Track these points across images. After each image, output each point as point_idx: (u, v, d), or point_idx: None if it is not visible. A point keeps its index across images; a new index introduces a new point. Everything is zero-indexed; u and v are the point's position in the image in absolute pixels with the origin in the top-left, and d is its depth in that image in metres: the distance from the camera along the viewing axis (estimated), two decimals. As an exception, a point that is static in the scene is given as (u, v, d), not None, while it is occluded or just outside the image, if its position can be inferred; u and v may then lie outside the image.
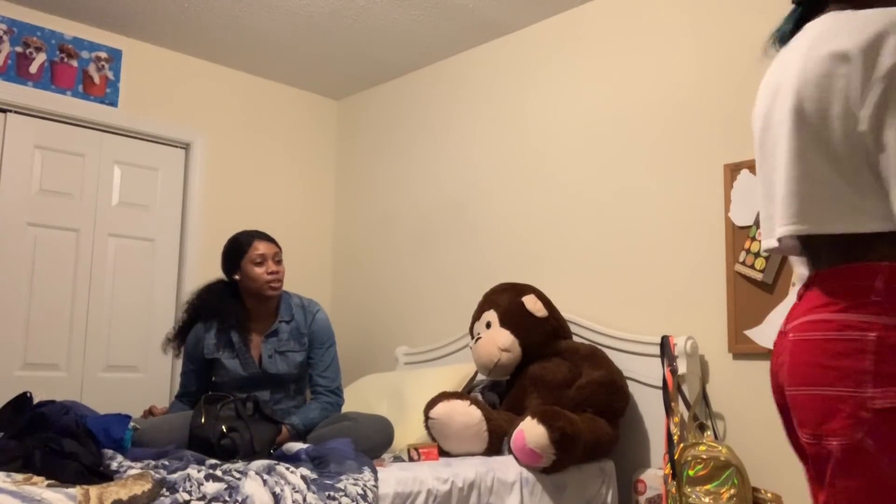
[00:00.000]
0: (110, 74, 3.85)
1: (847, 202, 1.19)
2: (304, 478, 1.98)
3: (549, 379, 2.84)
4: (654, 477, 2.73)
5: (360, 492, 1.98)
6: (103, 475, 1.86)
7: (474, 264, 3.79)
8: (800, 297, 1.32)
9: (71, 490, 1.65)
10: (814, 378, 1.21)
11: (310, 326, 2.94)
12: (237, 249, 2.91)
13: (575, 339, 3.11)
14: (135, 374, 3.83)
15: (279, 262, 2.92)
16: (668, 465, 2.56)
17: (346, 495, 1.95)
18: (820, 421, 1.20)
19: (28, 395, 2.38)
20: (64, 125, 3.73)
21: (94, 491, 1.66)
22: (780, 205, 1.27)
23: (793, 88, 1.23)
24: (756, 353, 2.71)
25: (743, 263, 2.76)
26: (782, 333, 1.34)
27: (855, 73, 1.14)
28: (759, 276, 2.71)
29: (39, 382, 3.44)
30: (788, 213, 1.26)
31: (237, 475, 1.94)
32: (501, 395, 3.01)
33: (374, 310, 4.29)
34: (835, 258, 1.25)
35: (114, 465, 1.97)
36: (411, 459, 2.55)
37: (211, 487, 1.83)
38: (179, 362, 3.08)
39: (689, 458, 2.54)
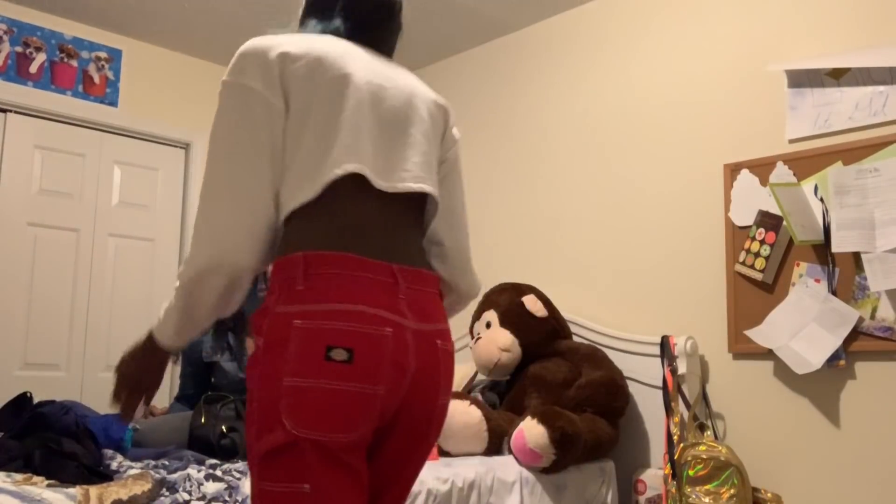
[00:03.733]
0: (110, 74, 3.85)
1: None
2: (304, 478, 1.97)
3: (549, 379, 2.84)
4: (654, 477, 2.73)
5: (360, 492, 1.98)
6: (103, 475, 1.86)
7: (474, 264, 3.78)
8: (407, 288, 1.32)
9: (71, 490, 1.65)
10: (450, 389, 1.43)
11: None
12: None
13: (575, 339, 3.11)
14: (135, 374, 3.83)
15: None
16: (668, 465, 2.56)
17: (346, 495, 1.95)
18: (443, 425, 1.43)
19: (28, 395, 2.38)
20: (64, 125, 3.73)
21: (93, 491, 1.66)
22: (421, 166, 1.44)
23: (425, 104, 1.50)
24: (756, 353, 2.71)
25: (743, 263, 2.76)
26: (423, 333, 1.31)
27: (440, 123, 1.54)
28: (759, 276, 2.71)
29: (39, 382, 3.44)
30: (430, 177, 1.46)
31: (237, 475, 1.94)
32: (501, 395, 3.01)
33: (374, 310, 4.28)
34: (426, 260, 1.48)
35: (114, 466, 1.97)
36: (411, 459, 2.54)
37: (211, 487, 1.83)
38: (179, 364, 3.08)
39: (689, 458, 2.54)
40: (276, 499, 1.22)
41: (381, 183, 1.35)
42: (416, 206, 1.46)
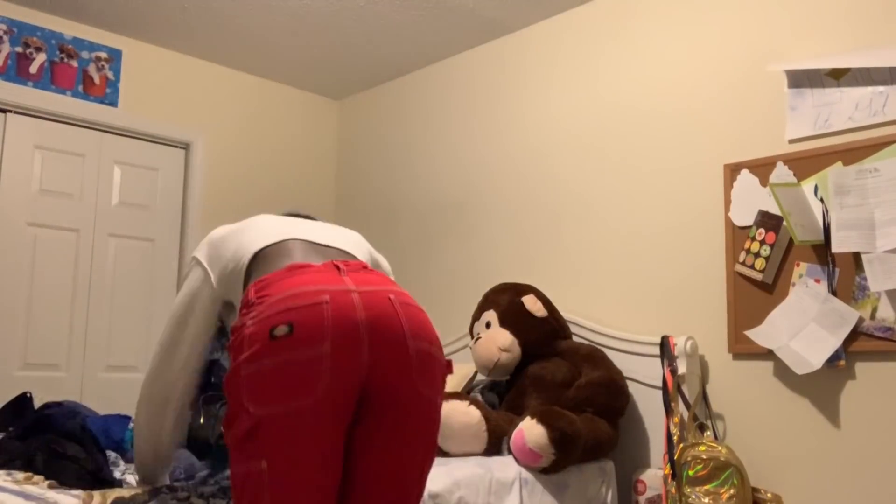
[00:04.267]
0: (110, 74, 3.85)
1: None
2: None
3: (549, 379, 2.84)
4: (654, 477, 2.73)
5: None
6: (104, 480, 1.85)
7: (474, 264, 3.79)
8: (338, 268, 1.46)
9: (73, 490, 1.66)
10: (438, 343, 1.46)
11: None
12: None
13: (575, 339, 3.11)
14: (135, 374, 3.83)
15: None
16: (668, 465, 2.56)
17: (345, 495, 1.95)
18: (438, 377, 1.44)
19: (28, 395, 2.38)
20: (64, 125, 3.73)
21: (96, 493, 1.67)
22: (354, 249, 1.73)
23: (369, 248, 1.82)
24: (756, 353, 2.71)
25: (743, 263, 2.76)
26: (371, 292, 1.41)
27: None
28: (759, 276, 2.71)
29: (39, 382, 3.44)
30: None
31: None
32: (501, 395, 3.01)
33: (374, 310, 4.28)
34: None
35: (117, 473, 1.96)
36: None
37: (211, 488, 1.83)
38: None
39: (689, 458, 2.54)
40: (241, 479, 1.31)
41: (309, 239, 1.62)
42: None
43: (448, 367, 1.50)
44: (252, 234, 1.66)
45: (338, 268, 1.44)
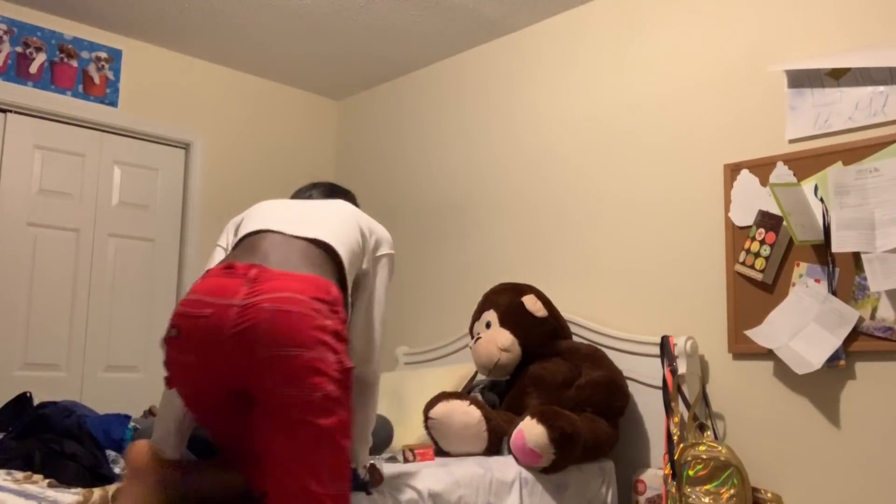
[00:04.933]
0: (110, 74, 3.85)
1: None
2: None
3: (549, 379, 2.84)
4: (654, 477, 2.73)
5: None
6: (104, 477, 1.86)
7: (474, 264, 3.79)
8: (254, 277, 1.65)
9: (73, 489, 1.66)
10: (303, 345, 1.57)
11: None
12: None
13: (575, 339, 3.11)
14: (135, 374, 3.83)
15: None
16: (668, 465, 2.56)
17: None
18: (299, 375, 1.56)
19: (28, 395, 2.38)
20: (64, 125, 3.73)
21: (97, 489, 1.67)
22: (331, 234, 1.87)
23: (356, 217, 1.98)
24: (756, 353, 2.71)
25: (743, 263, 2.76)
26: (252, 304, 1.57)
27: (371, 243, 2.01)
28: (759, 276, 2.71)
29: (39, 382, 3.44)
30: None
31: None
32: (501, 394, 3.01)
33: (374, 310, 4.28)
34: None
35: (116, 470, 1.97)
36: (406, 461, 2.54)
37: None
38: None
39: (689, 458, 2.54)
40: None
41: (283, 230, 1.81)
42: (331, 259, 1.81)
43: (336, 365, 1.59)
44: (246, 222, 1.92)
45: (246, 276, 1.62)
